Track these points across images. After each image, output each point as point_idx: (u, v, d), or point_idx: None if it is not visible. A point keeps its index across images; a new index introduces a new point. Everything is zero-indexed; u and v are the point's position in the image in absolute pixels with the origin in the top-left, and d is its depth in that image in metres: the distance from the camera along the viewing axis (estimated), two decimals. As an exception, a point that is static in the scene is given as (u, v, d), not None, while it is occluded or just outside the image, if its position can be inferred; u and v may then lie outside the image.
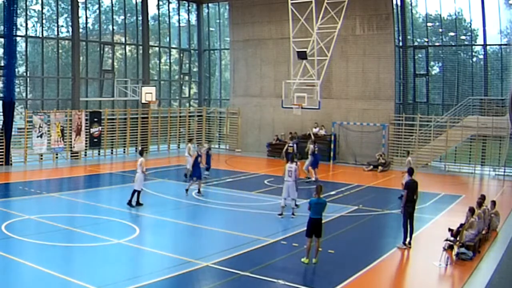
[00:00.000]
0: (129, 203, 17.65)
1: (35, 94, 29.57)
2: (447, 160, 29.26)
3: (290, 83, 26.43)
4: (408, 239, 14.05)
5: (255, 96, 34.54)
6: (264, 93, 34.15)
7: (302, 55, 25.40)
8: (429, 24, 31.04)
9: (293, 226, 15.70)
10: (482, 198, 15.49)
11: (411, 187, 14.08)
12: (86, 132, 28.87)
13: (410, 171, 14.44)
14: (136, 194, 17.69)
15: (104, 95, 31.52)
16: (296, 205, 17.13)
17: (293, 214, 16.88)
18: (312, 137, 26.95)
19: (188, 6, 36.80)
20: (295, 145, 26.93)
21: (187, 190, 19.85)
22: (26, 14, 27.79)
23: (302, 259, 12.30)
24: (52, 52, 29.90)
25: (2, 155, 25.36)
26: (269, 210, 17.82)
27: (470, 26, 29.78)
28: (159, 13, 34.83)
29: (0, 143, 25.40)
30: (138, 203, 17.70)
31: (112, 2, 31.65)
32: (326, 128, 31.11)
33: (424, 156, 28.90)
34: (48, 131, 27.18)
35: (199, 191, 19.95)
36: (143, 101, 29.30)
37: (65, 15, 29.82)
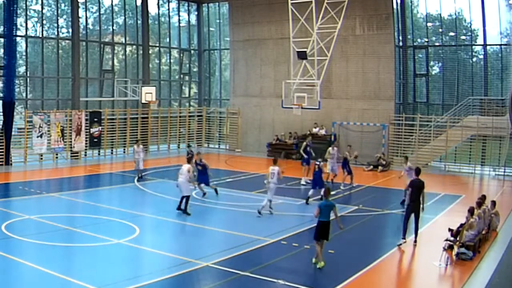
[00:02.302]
0: (179, 208, 17.17)
1: (35, 94, 29.57)
2: (447, 160, 29.25)
3: (290, 83, 26.43)
4: (414, 237, 14.29)
5: (255, 96, 34.54)
6: (264, 93, 34.15)
7: (302, 55, 25.40)
8: (429, 24, 31.04)
9: (293, 226, 15.70)
10: (483, 198, 15.51)
11: (416, 186, 14.25)
12: (86, 132, 28.87)
13: (417, 171, 14.70)
14: (185, 200, 17.12)
15: (104, 95, 31.53)
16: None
17: (269, 211, 17.30)
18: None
19: (188, 6, 36.81)
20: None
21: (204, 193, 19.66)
22: (26, 14, 27.79)
23: (314, 260, 12.22)
24: (52, 52, 29.91)
25: (2, 155, 25.36)
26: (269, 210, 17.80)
27: (470, 26, 29.78)
28: (159, 13, 34.84)
29: (0, 143, 25.40)
30: (186, 211, 17.05)
31: (112, 2, 31.66)
32: (326, 128, 31.11)
33: (424, 156, 28.89)
34: (48, 131, 27.19)
35: (203, 194, 19.77)
36: (143, 101, 29.31)
37: (65, 16, 29.82)
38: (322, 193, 12.58)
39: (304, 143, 24.13)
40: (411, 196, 14.23)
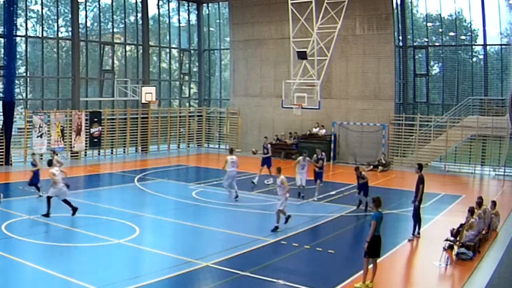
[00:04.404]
0: (74, 212, 15.99)
1: (35, 94, 29.56)
2: (447, 160, 29.25)
3: (290, 83, 26.43)
4: (417, 230, 14.90)
5: (255, 96, 34.54)
6: (264, 93, 34.15)
7: (302, 55, 25.40)
8: (429, 24, 31.03)
9: (293, 226, 15.69)
10: (480, 199, 15.56)
11: (424, 181, 14.88)
12: (86, 132, 28.88)
13: (420, 167, 15.21)
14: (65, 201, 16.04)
15: (104, 95, 31.53)
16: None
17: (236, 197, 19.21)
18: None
19: (188, 6, 36.80)
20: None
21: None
22: (26, 14, 27.79)
23: (368, 284, 10.98)
24: (52, 52, 29.90)
25: (2, 155, 25.36)
26: (269, 210, 17.81)
27: (470, 26, 29.78)
28: (159, 13, 34.84)
29: (0, 143, 25.40)
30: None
31: (112, 2, 31.66)
32: (326, 128, 31.11)
33: (424, 156, 28.88)
34: (48, 131, 27.19)
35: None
36: (143, 101, 29.30)
37: (65, 15, 29.81)
38: (372, 203, 11.36)
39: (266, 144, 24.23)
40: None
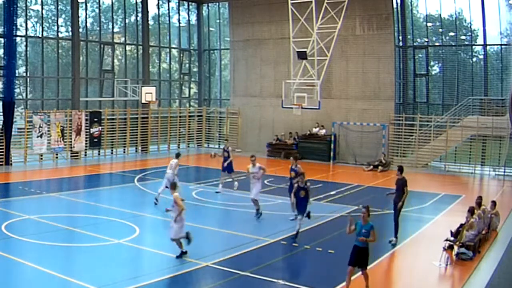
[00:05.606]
0: None
1: (35, 94, 29.57)
2: (447, 160, 29.26)
3: (290, 83, 26.44)
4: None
5: (255, 96, 34.54)
6: (264, 93, 34.14)
7: (302, 55, 25.41)
8: (429, 24, 31.04)
9: (293, 226, 15.66)
10: (480, 198, 15.55)
11: (407, 184, 14.62)
12: (86, 132, 28.87)
13: (401, 169, 14.98)
14: None
15: (104, 95, 31.53)
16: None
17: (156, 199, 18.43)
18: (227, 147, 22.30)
19: (188, 6, 36.80)
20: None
21: None
22: (26, 14, 27.79)
23: None
24: (52, 52, 29.90)
25: (2, 155, 25.36)
26: (269, 210, 17.81)
27: (470, 26, 29.79)
28: (159, 13, 34.84)
29: (0, 143, 25.40)
30: None
31: (112, 1, 31.66)
32: (326, 128, 31.11)
33: (424, 156, 28.89)
34: (48, 131, 27.19)
35: None
36: (143, 101, 29.30)
37: (65, 15, 29.82)
38: (366, 212, 11.13)
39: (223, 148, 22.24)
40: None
